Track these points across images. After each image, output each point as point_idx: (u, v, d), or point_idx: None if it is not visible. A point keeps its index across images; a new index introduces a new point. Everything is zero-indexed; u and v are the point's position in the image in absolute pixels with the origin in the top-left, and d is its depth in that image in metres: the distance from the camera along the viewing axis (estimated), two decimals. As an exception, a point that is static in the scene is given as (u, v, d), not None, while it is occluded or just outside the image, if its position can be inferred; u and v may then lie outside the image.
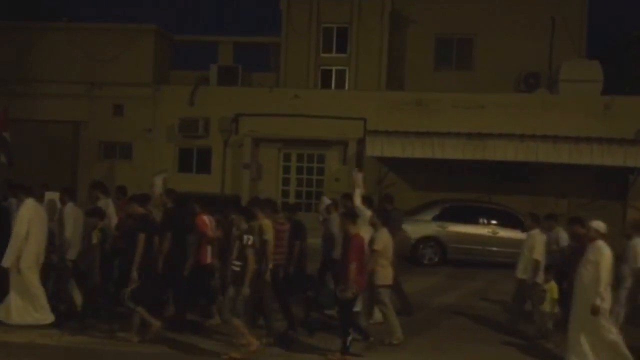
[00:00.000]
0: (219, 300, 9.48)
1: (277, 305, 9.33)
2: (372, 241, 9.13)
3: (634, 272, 9.29)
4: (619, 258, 9.29)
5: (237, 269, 8.11)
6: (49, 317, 9.34)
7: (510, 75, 22.17)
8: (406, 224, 16.51)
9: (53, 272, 9.93)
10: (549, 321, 9.70)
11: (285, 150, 21.16)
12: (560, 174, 19.08)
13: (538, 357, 9.12)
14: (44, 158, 21.24)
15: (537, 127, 18.50)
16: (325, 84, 23.29)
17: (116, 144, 21.91)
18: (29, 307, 9.29)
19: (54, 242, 9.90)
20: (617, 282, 9.22)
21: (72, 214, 9.82)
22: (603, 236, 8.36)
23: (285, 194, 21.22)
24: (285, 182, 21.29)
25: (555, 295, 9.57)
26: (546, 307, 9.68)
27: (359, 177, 11.43)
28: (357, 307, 9.08)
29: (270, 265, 8.80)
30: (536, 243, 10.05)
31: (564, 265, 9.64)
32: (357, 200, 10.71)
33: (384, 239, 9.19)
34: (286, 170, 21.27)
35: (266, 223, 8.86)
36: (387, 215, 10.34)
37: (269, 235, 8.76)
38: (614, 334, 8.24)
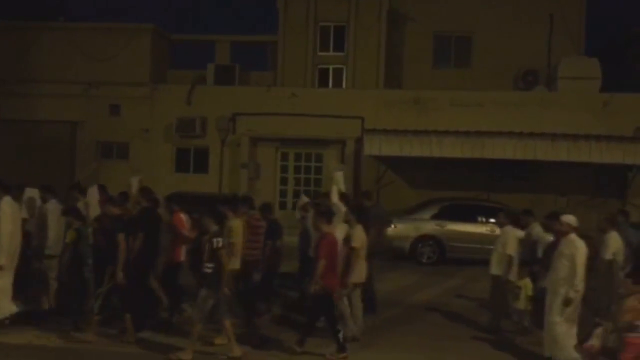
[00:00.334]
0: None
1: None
2: (347, 239, 9.12)
3: (605, 264, 9.33)
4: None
5: (209, 270, 8.15)
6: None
7: (509, 73, 22.11)
8: (405, 223, 16.64)
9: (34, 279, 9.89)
10: (526, 318, 9.67)
11: (283, 149, 21.12)
12: (559, 172, 19.04)
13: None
14: (41, 158, 21.18)
15: (536, 125, 18.47)
16: (323, 83, 23.22)
17: (113, 143, 21.86)
18: None
19: (31, 242, 9.88)
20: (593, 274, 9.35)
21: (55, 210, 9.82)
22: (575, 230, 8.44)
23: (283, 193, 21.17)
24: (283, 181, 21.24)
25: (530, 292, 9.57)
26: (520, 304, 9.66)
27: (339, 175, 11.50)
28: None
29: (237, 266, 8.94)
30: (509, 239, 10.09)
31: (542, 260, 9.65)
32: (334, 198, 10.74)
33: (362, 236, 9.20)
34: (284, 169, 21.23)
35: (235, 224, 8.98)
36: (366, 211, 10.51)
37: (236, 238, 8.90)
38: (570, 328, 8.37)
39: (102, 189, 11.30)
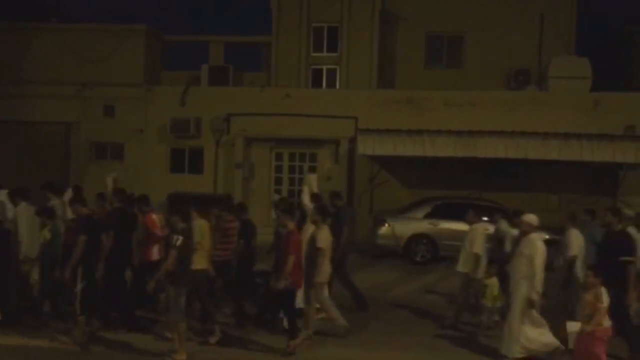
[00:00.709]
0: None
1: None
2: (313, 239, 9.27)
3: (566, 261, 9.45)
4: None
5: (172, 268, 8.35)
6: None
7: (501, 73, 22.29)
8: (398, 222, 16.78)
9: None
10: (494, 314, 9.79)
11: (277, 149, 21.19)
12: (551, 171, 19.21)
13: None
14: (36, 159, 21.20)
15: (527, 124, 18.60)
16: (316, 83, 23.32)
17: (107, 144, 21.87)
18: None
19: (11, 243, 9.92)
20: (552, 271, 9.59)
21: (25, 214, 9.87)
22: (536, 229, 8.51)
23: (277, 193, 21.21)
24: (278, 181, 21.31)
25: (496, 291, 9.69)
26: (487, 302, 9.79)
27: (312, 177, 11.71)
28: (299, 303, 9.33)
29: (206, 266, 9.18)
30: (476, 237, 10.23)
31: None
32: (306, 199, 10.89)
33: (328, 237, 9.34)
34: (278, 169, 21.31)
35: (199, 223, 9.19)
36: (341, 211, 10.88)
37: (202, 238, 9.11)
38: (544, 325, 8.55)
39: (77, 189, 11.45)
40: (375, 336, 9.86)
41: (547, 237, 9.51)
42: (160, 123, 21.16)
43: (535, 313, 8.44)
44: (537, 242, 8.42)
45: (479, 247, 10.17)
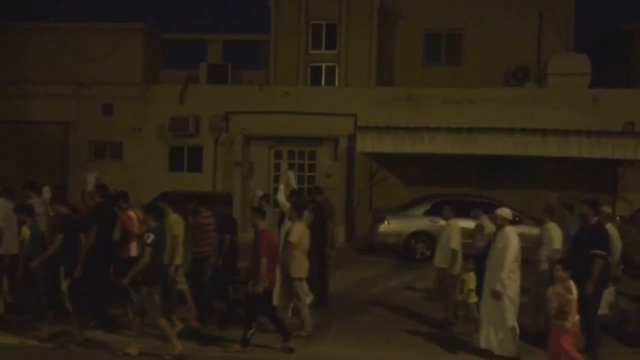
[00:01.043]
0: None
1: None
2: (287, 235, 9.45)
3: (551, 255, 9.42)
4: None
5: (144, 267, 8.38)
6: None
7: (499, 70, 22.28)
8: (398, 219, 16.77)
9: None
10: (473, 310, 9.73)
11: (276, 147, 21.17)
12: (550, 167, 19.21)
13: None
14: (34, 158, 21.20)
15: (526, 121, 18.61)
16: (315, 81, 23.30)
17: (106, 143, 21.85)
18: None
19: None
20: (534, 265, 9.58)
21: (2, 209, 9.95)
22: (510, 222, 8.59)
23: (276, 191, 21.16)
24: (277, 179, 21.26)
25: (472, 286, 9.64)
26: (464, 297, 9.75)
27: (289, 174, 11.76)
28: (275, 301, 9.37)
29: (179, 261, 9.33)
30: (453, 232, 10.25)
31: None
32: (281, 197, 10.91)
33: (300, 232, 9.40)
34: (277, 167, 21.27)
35: (173, 219, 9.32)
36: (318, 207, 10.98)
37: (177, 232, 9.27)
38: (512, 320, 8.50)
39: (57, 188, 11.51)
40: (373, 335, 9.80)
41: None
42: (159, 122, 21.15)
43: (506, 306, 8.42)
44: (511, 235, 8.51)
45: (456, 242, 10.22)
